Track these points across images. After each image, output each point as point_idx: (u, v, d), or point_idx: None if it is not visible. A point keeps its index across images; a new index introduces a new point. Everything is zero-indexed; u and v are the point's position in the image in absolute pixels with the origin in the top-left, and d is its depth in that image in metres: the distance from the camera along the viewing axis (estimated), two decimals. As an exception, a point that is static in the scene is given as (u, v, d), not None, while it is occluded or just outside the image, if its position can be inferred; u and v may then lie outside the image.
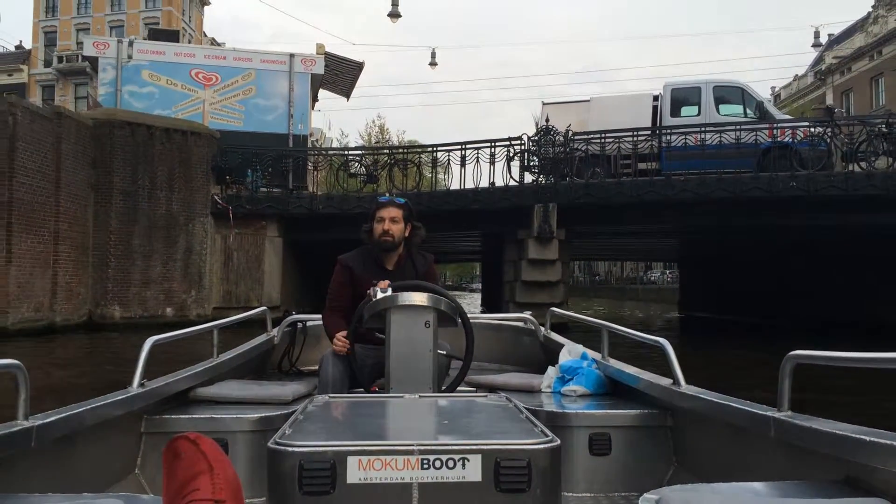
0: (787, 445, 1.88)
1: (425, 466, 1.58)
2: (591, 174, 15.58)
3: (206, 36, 43.97)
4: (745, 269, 22.99)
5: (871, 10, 41.68)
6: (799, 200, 14.25)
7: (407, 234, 3.24)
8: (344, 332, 3.03)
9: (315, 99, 20.89)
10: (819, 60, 46.97)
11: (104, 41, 19.72)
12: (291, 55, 18.36)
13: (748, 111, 16.05)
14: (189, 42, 41.92)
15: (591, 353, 3.31)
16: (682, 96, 16.81)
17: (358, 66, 20.36)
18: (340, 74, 20.59)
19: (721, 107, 16.66)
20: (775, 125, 15.13)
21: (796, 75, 47.97)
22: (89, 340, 12.95)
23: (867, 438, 1.58)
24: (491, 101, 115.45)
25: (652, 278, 53.52)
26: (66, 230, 13.48)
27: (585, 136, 15.69)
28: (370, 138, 49.85)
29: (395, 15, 21.76)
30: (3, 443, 1.77)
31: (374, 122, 51.49)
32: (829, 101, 44.75)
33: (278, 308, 16.06)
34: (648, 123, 16.73)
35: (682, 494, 1.50)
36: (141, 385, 2.51)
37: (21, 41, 45.76)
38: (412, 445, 1.60)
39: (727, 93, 16.50)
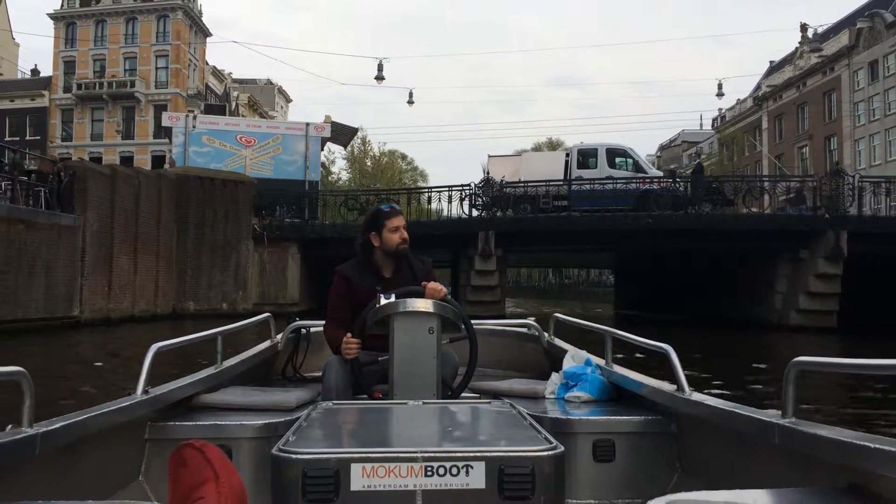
0: (791, 452, 1.95)
1: (429, 474, 1.66)
2: (520, 210, 23.71)
3: (208, 64, 51.74)
4: (657, 276, 31.19)
5: (798, 45, 50.05)
6: (656, 232, 22.39)
7: None
8: (350, 334, 3.15)
9: (322, 150, 29.02)
10: (758, 87, 55.53)
11: (176, 115, 27.88)
12: (307, 124, 26.54)
13: (629, 166, 24.27)
14: (193, 70, 49.79)
15: (594, 359, 3.45)
16: (586, 154, 25.00)
17: (354, 130, 28.45)
18: (341, 134, 28.77)
19: (616, 160, 24.85)
20: (637, 178, 23.33)
21: (738, 99, 56.52)
22: (180, 324, 20.83)
23: (872, 445, 1.63)
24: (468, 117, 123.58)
25: (611, 282, 61.63)
26: (162, 251, 21.39)
27: (514, 185, 23.83)
28: (353, 149, 57.83)
29: (380, 78, 29.87)
30: (8, 450, 1.84)
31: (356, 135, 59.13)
32: (765, 125, 53.38)
33: (297, 304, 24.02)
34: (562, 173, 24.89)
35: (687, 501, 1.54)
36: (145, 392, 2.62)
37: (36, 65, 53.19)
38: (416, 452, 1.68)
39: (616, 152, 24.68)
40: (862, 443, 1.67)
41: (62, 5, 49.41)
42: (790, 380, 1.99)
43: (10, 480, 1.86)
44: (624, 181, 22.95)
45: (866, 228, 21.11)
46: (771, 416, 2.09)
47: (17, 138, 44.99)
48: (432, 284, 3.16)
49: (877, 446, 1.61)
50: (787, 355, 2.31)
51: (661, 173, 26.92)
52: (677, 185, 22.92)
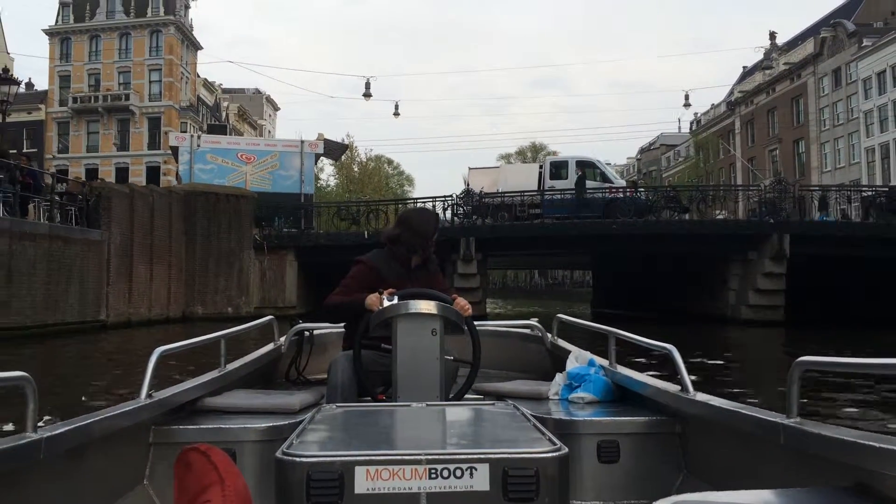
0: (796, 452, 1.97)
1: (433, 476, 1.67)
2: (498, 218, 26.54)
3: (199, 77, 54.29)
4: (629, 277, 34.10)
5: (766, 52, 53.17)
6: (620, 237, 25.23)
7: None
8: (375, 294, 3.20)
9: (315, 164, 31.83)
10: (732, 92, 58.65)
11: (182, 135, 30.68)
12: (302, 141, 29.35)
13: (597, 177, 27.15)
14: (186, 83, 52.36)
15: (598, 360, 3.50)
16: (557, 166, 27.90)
17: (345, 147, 31.20)
18: (333, 150, 31.59)
19: (585, 171, 27.74)
20: (603, 188, 26.22)
21: (713, 104, 59.65)
22: (190, 326, 23.49)
23: (877, 445, 1.65)
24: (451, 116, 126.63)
25: (594, 282, 64.60)
26: (174, 260, 24.03)
27: (492, 195, 26.65)
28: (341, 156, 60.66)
29: (368, 95, 32.62)
30: (12, 455, 1.87)
31: (343, 140, 61.76)
32: (738, 129, 56.38)
33: (295, 307, 26.68)
34: (536, 184, 27.75)
35: (692, 502, 1.55)
36: (149, 396, 2.66)
37: (30, 78, 55.53)
38: (419, 455, 1.70)
39: (585, 164, 27.57)
40: (868, 442, 1.69)
41: (57, 21, 51.84)
42: (794, 379, 2.02)
43: (14, 485, 1.89)
44: (591, 191, 25.84)
45: (807, 232, 24.03)
46: (776, 415, 2.12)
47: (15, 151, 47.27)
48: (461, 301, 3.31)
49: (883, 445, 1.64)
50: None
51: (624, 183, 29.81)
52: (639, 195, 25.82)
